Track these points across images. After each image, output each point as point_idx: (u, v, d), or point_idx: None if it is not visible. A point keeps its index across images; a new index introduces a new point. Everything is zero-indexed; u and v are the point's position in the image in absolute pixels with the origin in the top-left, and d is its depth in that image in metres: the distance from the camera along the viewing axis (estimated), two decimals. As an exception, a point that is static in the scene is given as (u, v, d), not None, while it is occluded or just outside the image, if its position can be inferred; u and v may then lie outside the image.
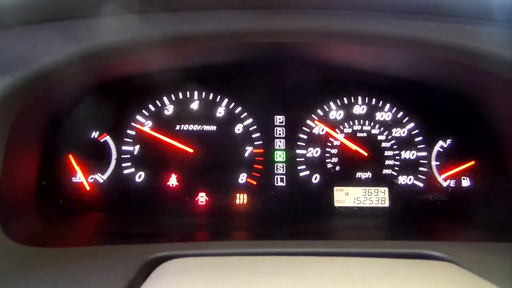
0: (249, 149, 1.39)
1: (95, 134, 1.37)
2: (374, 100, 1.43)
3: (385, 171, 1.40)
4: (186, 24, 0.94)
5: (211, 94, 1.41)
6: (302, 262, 0.79)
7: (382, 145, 1.41)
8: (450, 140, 1.41)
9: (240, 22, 0.96)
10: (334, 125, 1.41)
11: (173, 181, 1.37)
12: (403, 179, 1.40)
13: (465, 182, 1.40)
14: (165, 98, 1.40)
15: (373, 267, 0.76)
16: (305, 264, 0.78)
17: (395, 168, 1.40)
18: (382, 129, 1.41)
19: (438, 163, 1.41)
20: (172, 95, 1.41)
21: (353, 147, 1.39)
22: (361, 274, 0.72)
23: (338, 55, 1.24)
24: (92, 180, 1.35)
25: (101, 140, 1.37)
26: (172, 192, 1.37)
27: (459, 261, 0.84)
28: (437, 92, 1.36)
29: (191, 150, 1.38)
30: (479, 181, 1.38)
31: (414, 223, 1.33)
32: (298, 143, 1.40)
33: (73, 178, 1.34)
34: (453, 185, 1.40)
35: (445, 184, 1.40)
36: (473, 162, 1.39)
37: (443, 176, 1.40)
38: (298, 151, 1.40)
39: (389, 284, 0.68)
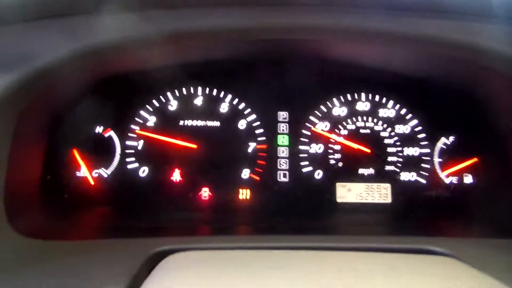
0: (252, 145, 1.40)
1: (99, 129, 1.38)
2: (377, 96, 1.43)
3: (388, 168, 1.40)
4: (186, 21, 0.94)
5: (215, 90, 1.42)
6: (305, 257, 0.80)
7: (385, 142, 1.41)
8: (453, 137, 1.42)
9: (241, 19, 0.96)
10: (337, 121, 1.42)
11: (176, 176, 1.38)
12: (405, 176, 1.40)
13: (468, 179, 1.40)
14: (168, 94, 1.41)
15: (377, 262, 0.77)
16: (308, 259, 0.78)
17: (398, 164, 1.40)
18: (385, 125, 1.42)
19: (440, 159, 1.41)
20: (176, 91, 1.41)
21: (355, 146, 1.39)
22: (364, 268, 0.72)
23: (341, 52, 1.24)
24: (97, 174, 1.36)
25: (105, 135, 1.38)
26: (175, 187, 1.37)
27: (461, 257, 0.85)
28: (440, 89, 1.36)
29: (194, 146, 1.39)
30: (482, 178, 1.39)
31: (417, 219, 1.34)
32: (301, 139, 1.41)
33: (77, 172, 1.35)
34: (456, 181, 1.40)
35: (447, 180, 1.40)
36: (476, 159, 1.39)
37: (446, 172, 1.41)
38: (301, 147, 1.40)
39: (392, 278, 0.69)
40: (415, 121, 1.42)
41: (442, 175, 1.41)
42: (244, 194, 1.38)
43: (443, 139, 1.42)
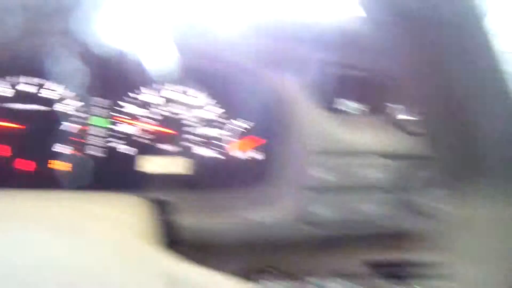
0: (75, 126, 1.63)
1: None
2: (183, 85, 1.70)
3: (191, 145, 1.68)
4: None
5: (45, 79, 1.63)
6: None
7: (190, 124, 1.69)
8: (250, 121, 1.71)
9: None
10: (149, 106, 1.68)
11: (5, 152, 1.59)
12: (207, 152, 1.69)
13: (259, 156, 1.71)
14: (3, 78, 1.60)
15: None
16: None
17: (199, 143, 1.69)
18: (191, 111, 1.69)
19: (238, 140, 1.71)
20: (9, 76, 1.61)
21: (162, 128, 1.66)
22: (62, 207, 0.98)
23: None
24: None
25: None
26: (3, 163, 1.58)
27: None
28: (242, 82, 1.65)
29: (23, 127, 1.60)
30: (270, 155, 1.70)
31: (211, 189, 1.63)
32: (116, 120, 1.66)
33: None
34: (250, 158, 1.71)
35: (242, 157, 1.71)
36: (265, 140, 1.70)
37: (241, 150, 1.71)
38: (115, 128, 1.66)
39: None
40: (217, 107, 1.71)
41: (238, 152, 1.71)
42: (65, 167, 1.62)
43: (241, 122, 1.71)
